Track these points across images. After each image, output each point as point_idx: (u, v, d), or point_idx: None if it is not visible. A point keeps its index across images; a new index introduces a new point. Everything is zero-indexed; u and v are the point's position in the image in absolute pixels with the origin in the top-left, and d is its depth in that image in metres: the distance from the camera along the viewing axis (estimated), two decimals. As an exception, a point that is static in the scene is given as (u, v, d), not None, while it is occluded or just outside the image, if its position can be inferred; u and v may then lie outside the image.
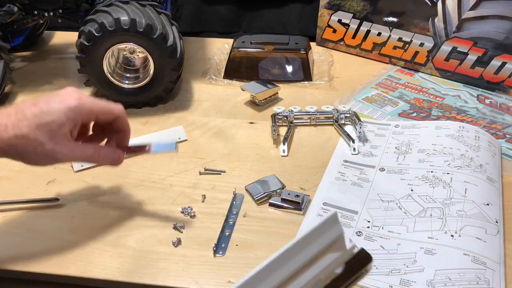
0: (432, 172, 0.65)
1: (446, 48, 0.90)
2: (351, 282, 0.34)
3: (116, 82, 0.81)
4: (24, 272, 0.55)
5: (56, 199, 0.63)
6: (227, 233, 0.58)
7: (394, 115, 0.81)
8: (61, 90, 0.51)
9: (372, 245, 0.56)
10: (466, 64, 0.89)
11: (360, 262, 0.35)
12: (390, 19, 0.95)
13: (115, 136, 0.56)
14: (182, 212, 0.61)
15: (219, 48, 1.00)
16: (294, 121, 0.78)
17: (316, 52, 1.00)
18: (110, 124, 0.55)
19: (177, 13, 1.02)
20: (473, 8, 0.85)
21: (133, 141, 0.57)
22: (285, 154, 0.72)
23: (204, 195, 0.64)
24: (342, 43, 1.02)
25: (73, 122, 0.50)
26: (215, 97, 0.86)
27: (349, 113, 0.78)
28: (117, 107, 0.54)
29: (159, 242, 0.57)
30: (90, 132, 0.57)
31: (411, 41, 0.93)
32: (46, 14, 0.88)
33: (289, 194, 0.62)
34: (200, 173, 0.68)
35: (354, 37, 1.00)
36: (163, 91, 0.83)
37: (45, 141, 0.49)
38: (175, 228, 0.59)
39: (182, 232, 0.59)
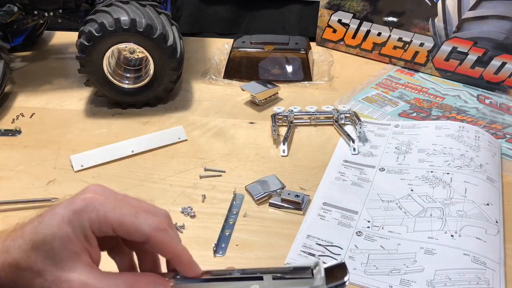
0: (432, 172, 0.65)
1: (446, 48, 0.90)
2: None
3: (116, 82, 0.81)
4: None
5: (56, 199, 0.63)
6: (227, 233, 0.58)
7: (394, 115, 0.81)
8: (83, 188, 0.36)
9: (372, 245, 0.56)
10: (466, 64, 0.89)
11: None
12: (390, 19, 0.95)
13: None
14: (182, 212, 0.61)
15: (219, 48, 1.00)
16: (294, 121, 0.78)
17: (316, 52, 1.00)
18: None
19: (177, 13, 1.02)
20: (473, 8, 0.85)
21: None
22: (285, 154, 0.72)
23: (204, 195, 0.64)
24: (342, 43, 1.02)
25: (80, 234, 0.33)
26: (215, 97, 0.86)
27: (349, 113, 0.78)
28: (148, 222, 0.34)
29: (159, 242, 0.57)
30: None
31: (411, 41, 0.93)
32: (46, 14, 0.88)
33: (289, 194, 0.62)
34: (201, 177, 0.67)
35: (354, 37, 1.00)
36: (163, 91, 0.83)
37: (45, 267, 0.32)
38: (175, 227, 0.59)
39: (182, 232, 0.59)
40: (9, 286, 0.32)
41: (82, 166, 0.69)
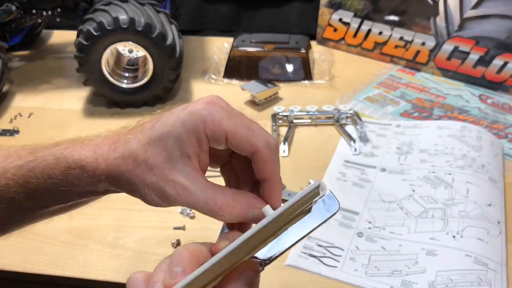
0: (433, 172, 0.64)
1: (447, 47, 0.89)
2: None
3: (115, 82, 0.80)
4: (21, 273, 0.54)
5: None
6: (227, 234, 0.58)
7: (395, 115, 0.80)
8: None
9: (373, 246, 0.55)
10: (467, 63, 0.88)
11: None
12: (391, 18, 0.94)
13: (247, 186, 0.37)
14: (181, 213, 0.61)
15: (219, 47, 0.99)
16: (295, 121, 0.78)
17: (317, 51, 0.99)
18: (246, 164, 0.36)
19: (177, 11, 1.02)
20: (475, 7, 0.85)
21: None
22: (286, 154, 0.71)
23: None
24: (343, 42, 1.01)
25: (194, 135, 0.33)
26: (215, 97, 0.86)
27: (350, 113, 0.77)
28: (262, 135, 0.35)
29: (158, 243, 0.57)
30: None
31: (413, 40, 0.93)
32: (44, 13, 0.88)
33: (289, 194, 0.62)
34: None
35: (355, 36, 0.99)
36: (162, 90, 0.82)
37: (156, 163, 0.33)
38: (174, 229, 0.59)
39: (184, 230, 0.58)
40: (125, 175, 0.34)
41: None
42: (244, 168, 0.37)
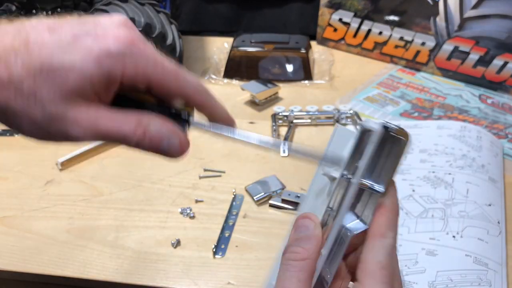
0: (433, 172, 0.64)
1: (447, 47, 0.89)
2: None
3: (115, 82, 0.80)
4: (21, 273, 0.54)
5: None
6: (227, 234, 0.58)
7: (395, 115, 0.80)
8: (105, 16, 0.30)
9: (373, 246, 0.55)
10: (467, 63, 0.88)
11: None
12: (391, 18, 0.94)
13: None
14: (181, 213, 0.61)
15: (219, 47, 0.99)
16: (295, 121, 0.78)
17: (317, 51, 0.99)
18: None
19: (177, 11, 1.02)
20: (475, 7, 0.85)
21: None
22: (286, 154, 0.71)
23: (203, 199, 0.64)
24: (343, 42, 1.01)
25: (107, 78, 0.28)
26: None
27: (350, 113, 0.77)
28: (190, 84, 0.32)
29: (158, 243, 0.57)
30: None
31: (413, 40, 0.93)
32: (44, 13, 0.88)
33: (289, 194, 0.61)
34: (200, 177, 0.67)
35: (355, 36, 0.99)
36: (162, 90, 0.82)
37: (50, 99, 0.27)
38: (174, 228, 0.59)
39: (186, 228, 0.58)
40: (3, 107, 0.28)
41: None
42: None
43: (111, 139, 0.29)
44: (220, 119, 0.34)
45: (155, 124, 0.30)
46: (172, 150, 0.32)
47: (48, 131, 0.28)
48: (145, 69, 0.29)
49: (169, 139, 0.31)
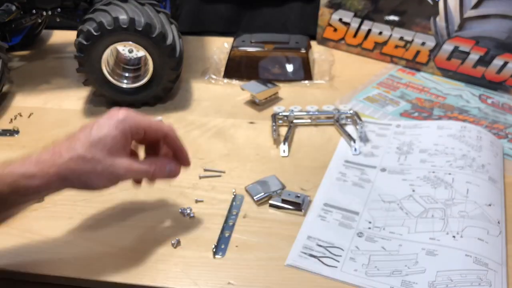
0: (433, 172, 0.64)
1: (447, 47, 0.89)
2: None
3: (115, 82, 0.80)
4: (21, 273, 0.54)
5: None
6: (227, 234, 0.58)
7: (395, 115, 0.80)
8: (106, 114, 0.51)
9: (373, 246, 0.55)
10: (468, 63, 0.88)
11: None
12: (392, 18, 0.94)
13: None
14: (181, 213, 0.61)
15: (219, 47, 0.99)
16: (295, 121, 0.78)
17: (317, 51, 0.99)
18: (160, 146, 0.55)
19: (177, 11, 1.02)
20: (475, 7, 0.85)
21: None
22: (286, 154, 0.71)
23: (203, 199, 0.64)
24: (343, 42, 1.01)
25: (124, 135, 0.49)
26: (215, 97, 0.86)
27: (350, 113, 0.77)
28: (165, 124, 0.53)
29: (158, 243, 0.57)
30: (142, 156, 0.56)
31: (413, 40, 0.93)
32: (44, 13, 0.88)
33: (289, 194, 0.61)
34: (200, 177, 0.67)
35: (355, 36, 0.99)
36: (162, 90, 0.82)
37: (103, 157, 0.47)
38: (174, 228, 0.59)
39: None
40: (79, 173, 0.47)
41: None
42: (149, 146, 0.56)
43: (140, 174, 0.53)
44: (181, 158, 0.56)
45: (159, 162, 0.54)
46: (171, 174, 0.55)
47: (107, 177, 0.49)
48: (139, 123, 0.50)
49: (169, 169, 0.54)
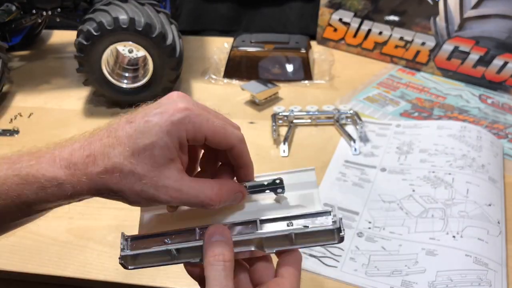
0: (433, 172, 0.64)
1: (447, 47, 0.89)
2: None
3: (115, 82, 0.80)
4: (21, 273, 0.54)
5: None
6: (227, 234, 0.57)
7: (395, 115, 0.80)
8: (164, 97, 0.38)
9: (373, 246, 0.55)
10: (468, 63, 0.88)
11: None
12: (392, 18, 0.94)
13: (228, 171, 0.41)
14: (181, 213, 0.61)
15: (219, 47, 0.99)
16: (295, 121, 0.78)
17: (317, 51, 0.99)
18: (222, 154, 0.41)
19: (176, 11, 1.02)
20: (475, 7, 0.85)
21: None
22: (286, 154, 0.71)
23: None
24: (343, 42, 1.01)
25: (177, 142, 0.36)
26: (215, 97, 0.86)
27: (350, 113, 0.77)
28: (235, 133, 0.39)
29: (158, 243, 0.57)
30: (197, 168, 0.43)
31: (413, 40, 0.93)
32: (44, 13, 0.88)
33: (289, 194, 0.61)
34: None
35: (355, 36, 0.99)
36: (162, 90, 0.82)
37: (146, 171, 0.35)
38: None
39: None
40: (111, 187, 0.36)
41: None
42: (208, 156, 0.42)
43: (195, 202, 0.37)
44: (250, 171, 0.42)
45: (228, 186, 0.39)
46: (237, 200, 0.40)
47: (146, 200, 0.36)
48: (200, 126, 0.36)
49: (237, 197, 0.40)
